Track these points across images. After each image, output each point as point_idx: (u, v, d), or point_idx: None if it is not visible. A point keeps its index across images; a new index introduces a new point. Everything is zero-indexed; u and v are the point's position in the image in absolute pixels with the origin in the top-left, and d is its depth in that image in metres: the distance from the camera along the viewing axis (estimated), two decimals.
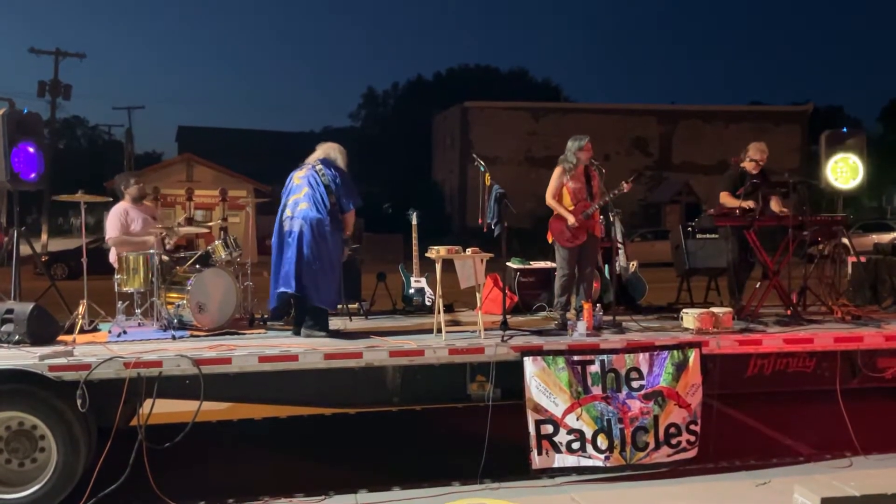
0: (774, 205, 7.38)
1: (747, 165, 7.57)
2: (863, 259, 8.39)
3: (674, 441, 5.75)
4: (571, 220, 6.63)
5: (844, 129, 8.58)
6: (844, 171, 8.29)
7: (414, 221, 7.99)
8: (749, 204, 7.09)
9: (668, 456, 5.75)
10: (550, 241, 6.87)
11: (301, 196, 6.24)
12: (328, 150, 6.47)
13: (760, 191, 7.33)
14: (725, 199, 7.45)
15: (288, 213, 6.27)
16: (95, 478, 4.97)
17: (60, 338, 5.98)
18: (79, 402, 4.92)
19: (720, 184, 7.73)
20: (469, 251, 6.40)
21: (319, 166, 6.30)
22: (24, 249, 7.11)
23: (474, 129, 41.10)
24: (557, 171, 6.81)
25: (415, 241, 7.91)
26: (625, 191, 6.71)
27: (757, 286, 7.30)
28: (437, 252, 6.25)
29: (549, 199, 6.78)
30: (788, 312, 7.01)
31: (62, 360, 5.11)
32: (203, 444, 5.99)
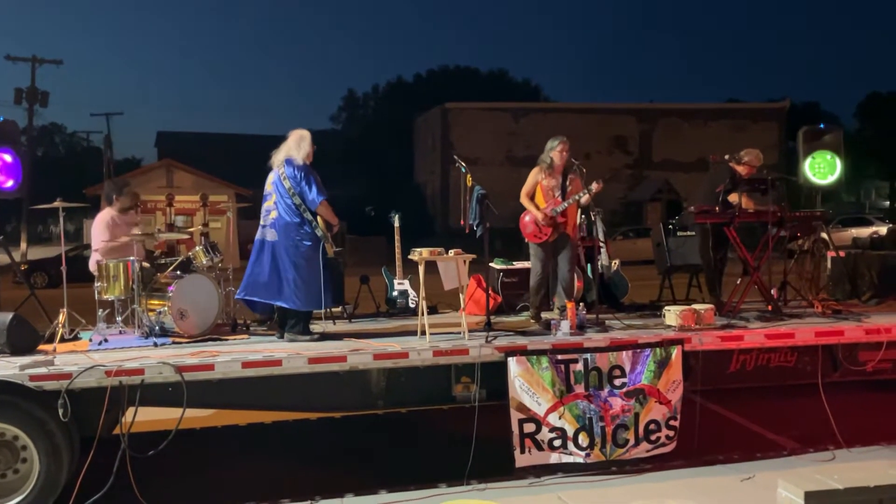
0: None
1: (739, 168, 7.54)
2: (842, 254, 8.47)
3: (653, 437, 5.80)
4: (539, 216, 6.70)
5: (821, 125, 8.65)
6: (822, 166, 8.37)
7: (396, 223, 7.99)
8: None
9: (647, 451, 5.81)
10: (527, 240, 6.94)
11: (271, 203, 6.25)
12: (290, 146, 6.29)
13: (738, 189, 7.38)
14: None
15: (262, 221, 6.31)
16: (79, 487, 4.93)
17: (41, 347, 5.91)
18: (60, 411, 4.87)
19: (706, 183, 7.69)
20: (452, 252, 6.40)
21: (282, 169, 6.22)
22: (3, 258, 7.04)
23: (455, 130, 41.16)
24: (535, 170, 6.92)
25: (397, 244, 7.90)
26: (594, 191, 6.73)
27: (738, 282, 7.35)
28: (419, 254, 6.25)
29: (523, 197, 6.88)
30: (769, 308, 7.07)
31: (43, 370, 5.05)
32: (187, 451, 5.95)
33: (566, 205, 6.76)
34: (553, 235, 6.79)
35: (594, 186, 6.71)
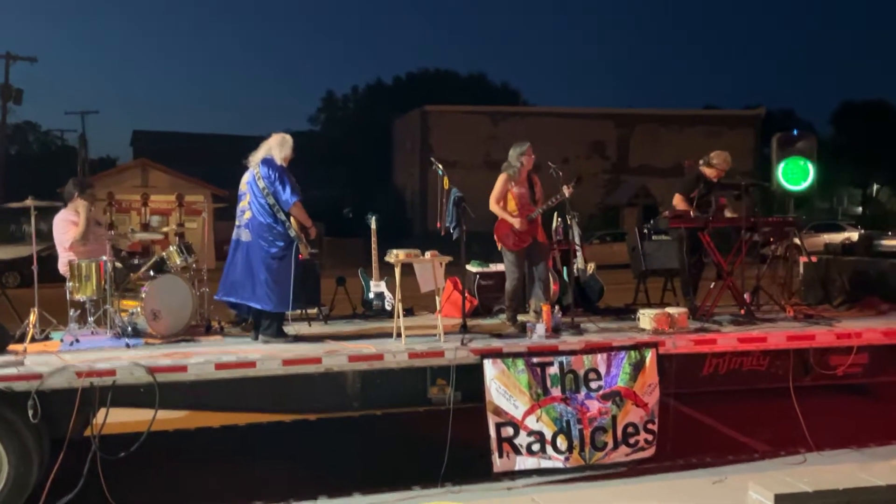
0: (727, 212, 7.52)
1: (708, 171, 7.62)
2: (814, 259, 8.57)
3: (632, 440, 5.82)
4: (517, 223, 6.71)
5: (795, 132, 8.74)
6: (795, 172, 8.46)
7: (373, 226, 7.97)
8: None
9: (627, 455, 5.81)
10: (500, 247, 6.95)
11: (245, 204, 6.23)
12: (268, 146, 6.29)
13: (713, 194, 7.46)
14: (678, 202, 7.57)
15: (237, 222, 6.29)
16: (48, 490, 4.87)
17: (11, 347, 5.83)
18: (30, 412, 4.82)
19: (677, 187, 7.84)
20: (428, 255, 6.40)
21: (257, 169, 6.20)
22: None
23: (434, 132, 41.15)
24: (502, 177, 6.90)
25: (374, 245, 7.89)
26: (566, 196, 6.78)
27: (711, 286, 7.41)
28: (396, 256, 6.24)
29: (493, 205, 6.86)
30: (742, 312, 7.13)
31: (13, 370, 4.99)
32: (159, 453, 5.89)
33: (540, 211, 6.80)
34: (528, 241, 6.82)
35: (565, 191, 6.74)
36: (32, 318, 6.28)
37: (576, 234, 7.68)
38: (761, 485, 4.56)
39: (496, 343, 5.98)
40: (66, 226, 6.96)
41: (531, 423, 5.67)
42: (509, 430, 5.64)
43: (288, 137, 6.37)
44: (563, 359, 5.78)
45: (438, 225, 6.71)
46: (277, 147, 6.27)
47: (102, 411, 5.11)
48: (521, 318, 6.85)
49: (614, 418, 5.80)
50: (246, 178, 6.30)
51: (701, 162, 7.69)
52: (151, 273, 6.68)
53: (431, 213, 36.49)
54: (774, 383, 6.47)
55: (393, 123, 48.66)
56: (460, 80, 58.57)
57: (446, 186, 6.67)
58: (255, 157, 6.29)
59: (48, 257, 7.23)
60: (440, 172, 6.70)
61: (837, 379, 6.65)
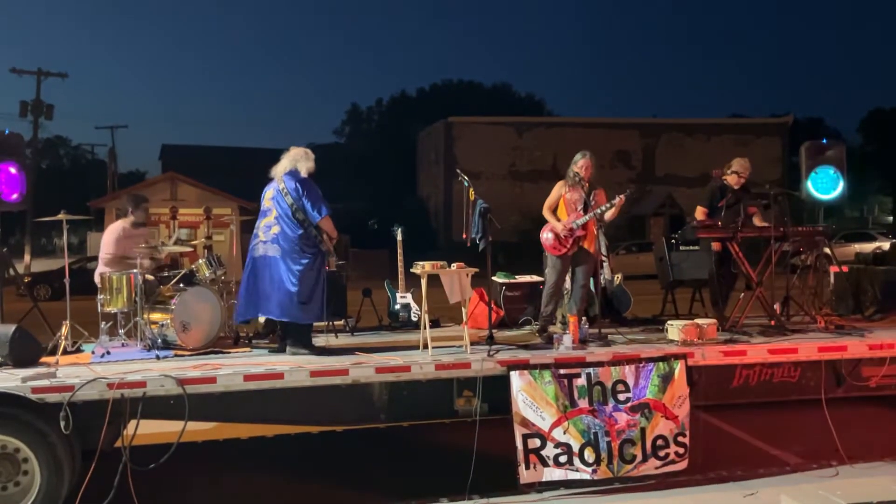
0: (756, 220, 7.47)
1: (730, 179, 7.62)
2: (845, 269, 8.45)
3: (661, 453, 5.75)
4: (559, 227, 6.72)
5: (824, 140, 8.66)
6: (825, 181, 8.37)
7: (399, 237, 8.00)
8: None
9: (657, 468, 5.75)
10: (547, 252, 6.97)
11: (272, 219, 6.22)
12: (292, 160, 6.30)
13: (742, 203, 7.40)
14: (700, 214, 7.56)
15: (262, 237, 6.27)
16: (80, 501, 4.92)
17: (43, 359, 5.91)
18: (62, 424, 4.88)
19: (700, 198, 7.82)
20: (454, 266, 6.41)
21: (283, 184, 6.19)
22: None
23: (458, 144, 41.25)
24: (559, 183, 6.99)
25: (400, 257, 7.91)
26: (618, 205, 6.78)
27: (741, 297, 7.34)
28: (422, 267, 6.26)
29: (544, 209, 6.95)
30: (772, 323, 7.05)
31: (45, 382, 5.06)
32: (188, 464, 5.93)
33: (587, 218, 6.78)
34: (573, 248, 6.81)
35: (617, 200, 6.74)
36: (64, 330, 6.36)
37: (602, 244, 7.65)
38: (794, 498, 4.52)
39: (523, 354, 5.96)
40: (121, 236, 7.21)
41: (558, 434, 5.63)
42: (536, 442, 5.61)
43: (309, 151, 6.41)
44: (591, 370, 5.75)
45: (465, 236, 6.72)
46: (303, 161, 6.29)
47: (133, 423, 5.16)
48: (548, 328, 6.84)
49: (643, 430, 5.74)
50: (270, 194, 6.31)
51: (727, 171, 7.66)
52: (181, 285, 6.75)
53: (456, 224, 36.52)
54: (806, 395, 6.39)
55: (417, 135, 48.87)
56: (484, 92, 58.79)
57: (472, 198, 6.68)
58: (278, 170, 6.30)
59: (79, 270, 7.35)
60: (465, 183, 6.71)
61: (870, 390, 6.55)
